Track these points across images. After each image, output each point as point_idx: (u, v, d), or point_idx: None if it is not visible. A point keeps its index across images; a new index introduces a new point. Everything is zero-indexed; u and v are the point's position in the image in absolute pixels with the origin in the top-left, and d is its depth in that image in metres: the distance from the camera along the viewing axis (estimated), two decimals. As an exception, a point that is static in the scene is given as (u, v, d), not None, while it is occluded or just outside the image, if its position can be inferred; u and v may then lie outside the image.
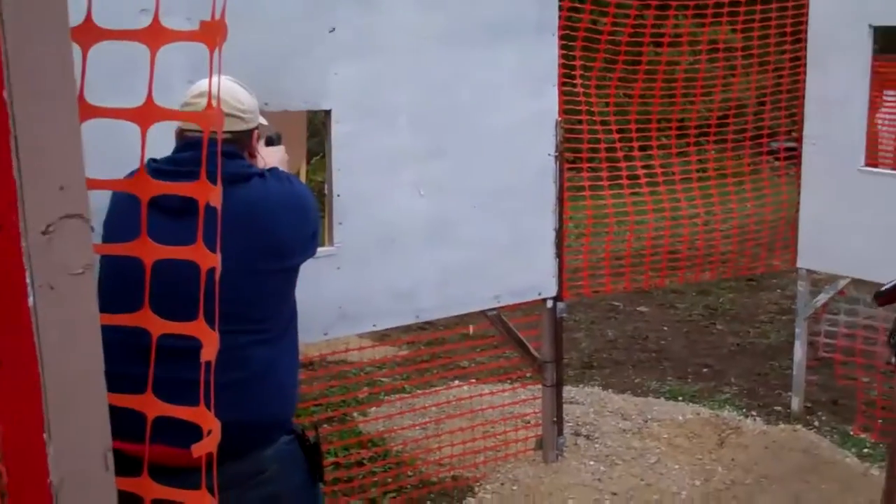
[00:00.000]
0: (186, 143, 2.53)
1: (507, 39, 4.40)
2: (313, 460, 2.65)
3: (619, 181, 6.21)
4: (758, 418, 5.73)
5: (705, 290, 8.24)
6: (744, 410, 5.86)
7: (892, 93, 10.00)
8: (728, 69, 7.06)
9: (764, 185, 7.92)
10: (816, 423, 5.65)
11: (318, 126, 6.48)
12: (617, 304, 7.93)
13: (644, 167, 6.45)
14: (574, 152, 6.00)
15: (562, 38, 4.81)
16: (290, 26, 3.64)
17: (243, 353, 2.43)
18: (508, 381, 5.82)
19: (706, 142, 7.34)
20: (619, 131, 6.12)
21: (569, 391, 5.80)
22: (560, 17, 4.75)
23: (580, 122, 6.00)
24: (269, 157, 2.80)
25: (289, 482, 2.58)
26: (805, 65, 5.33)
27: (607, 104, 6.14)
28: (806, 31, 5.27)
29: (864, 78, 4.91)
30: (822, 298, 5.66)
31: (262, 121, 2.80)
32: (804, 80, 5.36)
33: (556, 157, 4.67)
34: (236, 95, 2.60)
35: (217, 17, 1.14)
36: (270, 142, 2.97)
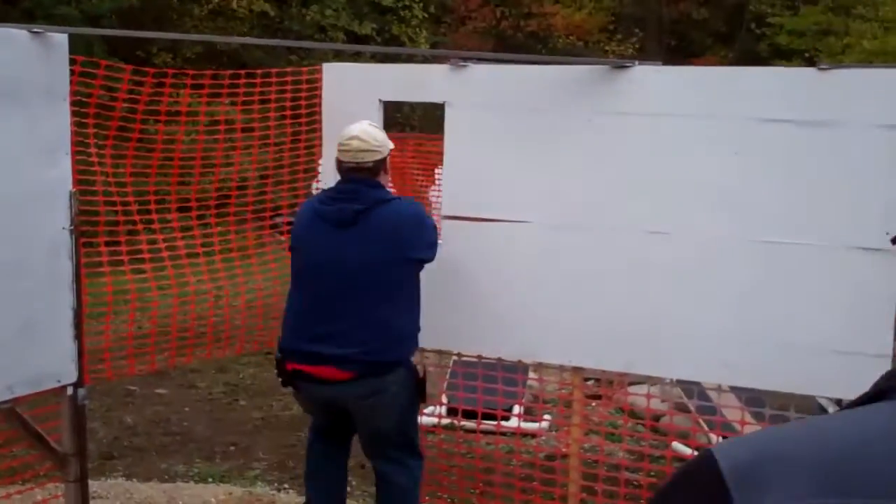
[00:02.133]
0: (346, 177, 4.16)
1: (13, 103, 4.00)
2: (420, 388, 4.29)
3: (141, 255, 5.91)
4: (290, 490, 5.68)
5: (224, 367, 8.09)
6: (276, 484, 5.78)
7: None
8: (245, 146, 7.07)
9: (270, 259, 8.00)
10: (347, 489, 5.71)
11: None
12: (133, 387, 7.51)
13: (166, 241, 6.21)
14: (91, 226, 5.61)
15: (73, 104, 4.47)
16: None
17: (379, 313, 4.06)
18: (21, 482, 5.21)
19: (209, 216, 7.26)
20: (140, 204, 5.84)
21: (90, 485, 5.31)
22: (71, 83, 4.42)
23: (95, 192, 5.64)
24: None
25: (401, 397, 4.18)
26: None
27: (123, 175, 5.84)
28: (320, 109, 5.38)
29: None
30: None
31: (391, 145, 4.32)
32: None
33: (71, 230, 4.30)
34: (374, 135, 4.20)
35: None
36: None
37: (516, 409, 6.77)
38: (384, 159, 4.21)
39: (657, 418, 6.66)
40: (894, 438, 0.84)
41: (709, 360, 4.62)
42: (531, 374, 6.96)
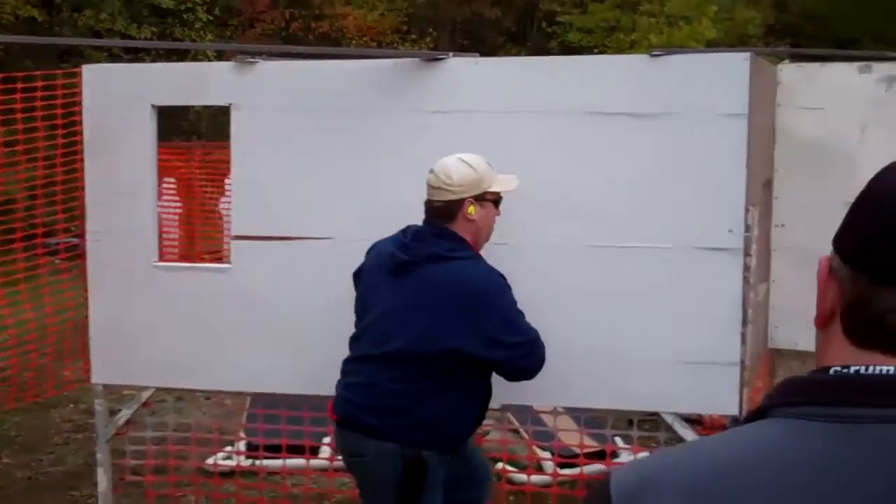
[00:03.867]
0: (417, 231, 3.55)
1: None
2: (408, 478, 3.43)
3: None
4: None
5: (-18, 417, 6.96)
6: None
7: (171, 180, 9.74)
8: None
9: (44, 291, 7.03)
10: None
11: None
12: None
13: None
14: None
15: None
16: None
17: (395, 382, 3.46)
18: None
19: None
20: None
21: None
22: None
23: None
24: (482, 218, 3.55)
25: (380, 477, 3.47)
26: (81, 153, 4.62)
27: None
28: (80, 118, 4.54)
29: (152, 163, 4.33)
30: (125, 415, 4.90)
31: (497, 188, 3.57)
32: (82, 170, 4.64)
33: None
34: (447, 171, 3.48)
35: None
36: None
37: (327, 445, 6.07)
38: (460, 202, 3.48)
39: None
40: (762, 456, 0.91)
41: (541, 381, 4.09)
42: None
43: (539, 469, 5.58)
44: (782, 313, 4.78)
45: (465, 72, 4.09)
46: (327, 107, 4.15)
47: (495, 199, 3.61)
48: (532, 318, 4.03)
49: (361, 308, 3.62)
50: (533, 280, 4.02)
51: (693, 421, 6.04)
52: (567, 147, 4.02)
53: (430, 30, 19.97)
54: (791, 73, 4.89)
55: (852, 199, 1.02)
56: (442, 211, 3.48)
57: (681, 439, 4.20)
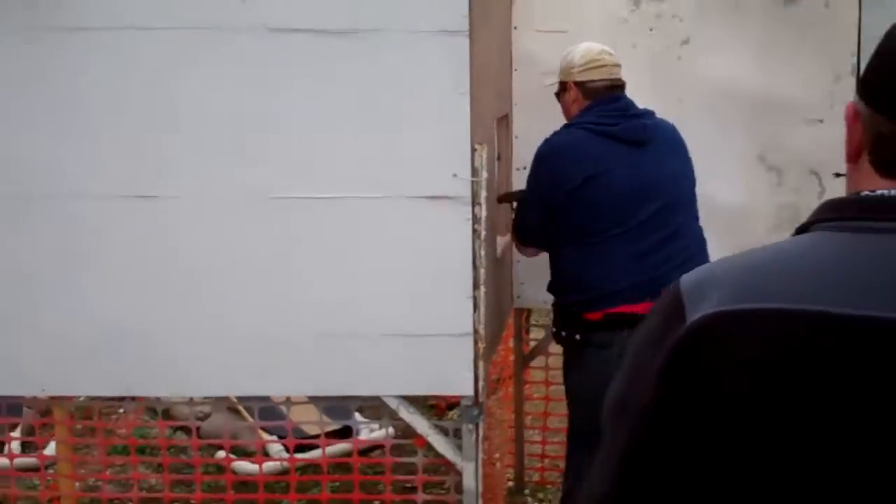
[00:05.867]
0: (610, 95, 3.66)
1: None
2: None
3: None
4: None
5: None
6: None
7: None
8: None
9: None
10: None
11: None
12: None
13: None
14: None
15: None
16: None
17: (698, 230, 3.77)
18: None
19: None
20: None
21: None
22: None
23: None
24: None
25: None
26: None
27: None
28: None
29: None
30: None
31: None
32: None
33: None
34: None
35: None
36: None
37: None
38: None
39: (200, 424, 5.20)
40: (800, 257, 1.11)
41: (235, 369, 3.32)
42: None
43: (268, 455, 4.79)
44: (529, 268, 4.16)
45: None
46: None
47: None
48: (205, 291, 3.25)
49: (626, 197, 3.58)
50: (204, 243, 3.21)
51: (432, 406, 5.37)
52: (245, 74, 3.17)
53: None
54: (527, -10, 4.23)
55: None
56: (624, 87, 3.72)
57: (408, 426, 3.51)
